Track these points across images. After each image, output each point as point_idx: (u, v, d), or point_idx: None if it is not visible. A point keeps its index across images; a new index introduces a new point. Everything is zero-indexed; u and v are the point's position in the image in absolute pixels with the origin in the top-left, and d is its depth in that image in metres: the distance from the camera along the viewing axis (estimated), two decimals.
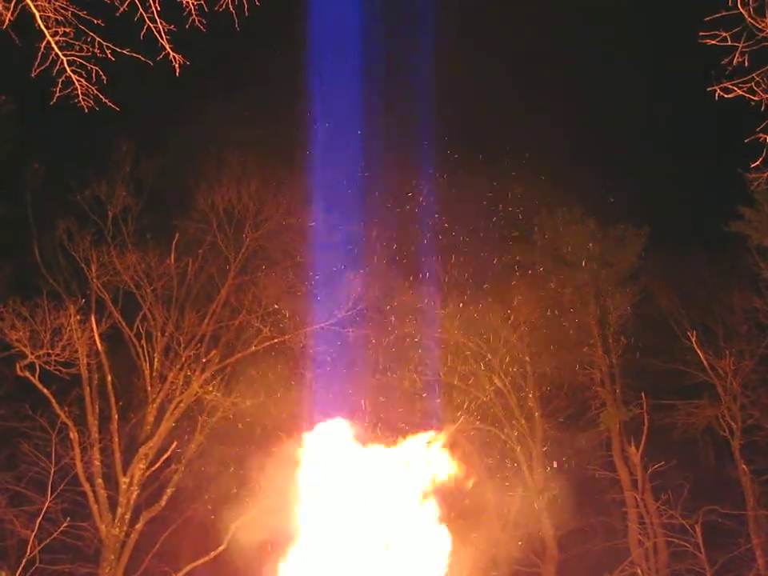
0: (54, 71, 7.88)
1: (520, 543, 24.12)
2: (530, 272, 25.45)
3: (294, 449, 17.97)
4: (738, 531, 23.00)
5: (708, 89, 7.90)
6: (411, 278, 24.82)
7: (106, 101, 8.19)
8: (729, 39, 7.66)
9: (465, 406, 24.23)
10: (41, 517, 19.05)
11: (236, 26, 7.85)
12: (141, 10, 7.55)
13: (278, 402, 23.27)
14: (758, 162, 8.55)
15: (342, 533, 14.08)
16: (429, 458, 16.24)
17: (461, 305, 24.31)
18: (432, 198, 25.11)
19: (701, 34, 7.64)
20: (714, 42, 7.65)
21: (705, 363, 23.48)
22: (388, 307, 24.38)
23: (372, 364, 24.45)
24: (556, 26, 31.23)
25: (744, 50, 7.65)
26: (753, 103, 7.91)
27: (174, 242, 22.44)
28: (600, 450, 26.10)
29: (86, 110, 8.22)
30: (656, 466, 23.54)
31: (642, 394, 24.08)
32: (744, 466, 23.31)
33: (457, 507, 19.49)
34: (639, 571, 22.99)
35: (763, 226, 22.28)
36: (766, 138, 8.12)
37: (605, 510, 27.03)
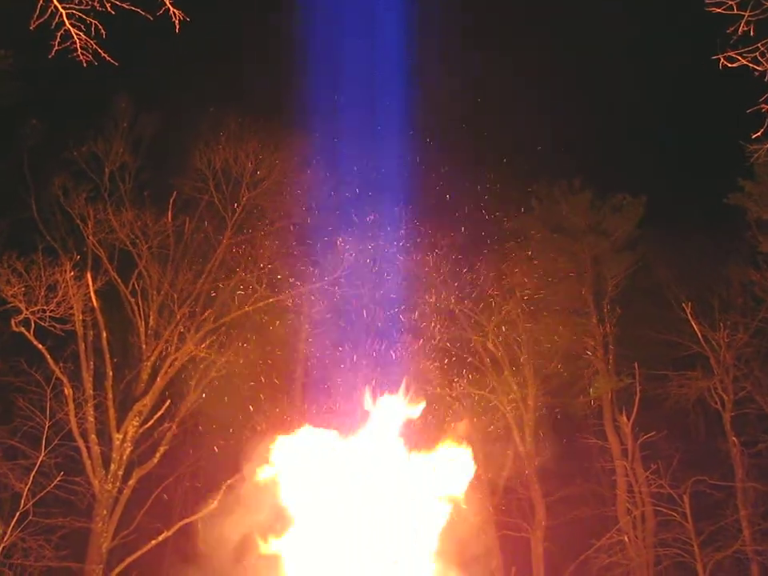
0: (53, 24, 7.79)
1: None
2: (525, 239, 25.44)
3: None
4: (725, 502, 23.20)
5: (712, 57, 7.84)
6: (406, 244, 24.85)
7: (105, 55, 8.10)
8: (735, 8, 7.58)
9: (458, 371, 24.36)
10: (35, 471, 19.12)
11: None
12: None
13: (273, 362, 23.42)
14: (758, 134, 8.51)
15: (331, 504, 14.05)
16: (421, 422, 16.29)
17: (456, 270, 24.35)
18: (429, 163, 25.03)
19: (707, 1, 7.56)
20: (720, 10, 7.58)
21: (699, 335, 23.54)
22: (376, 269, 24.42)
23: (365, 327, 24.55)
24: None
25: (750, 18, 7.58)
26: (756, 73, 7.85)
27: (170, 201, 22.35)
28: (591, 419, 26.29)
29: (85, 65, 8.13)
30: (646, 436, 23.68)
31: (635, 363, 24.16)
32: (734, 438, 23.46)
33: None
34: (626, 539, 23.23)
35: (763, 199, 22.20)
36: (767, 109, 8.07)
37: (594, 478, 27.26)
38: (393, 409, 14.53)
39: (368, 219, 24.47)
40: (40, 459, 19.04)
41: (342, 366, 23.84)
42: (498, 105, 26.42)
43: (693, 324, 23.25)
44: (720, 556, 22.25)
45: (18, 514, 18.49)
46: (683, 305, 23.22)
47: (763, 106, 8.03)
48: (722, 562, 22.77)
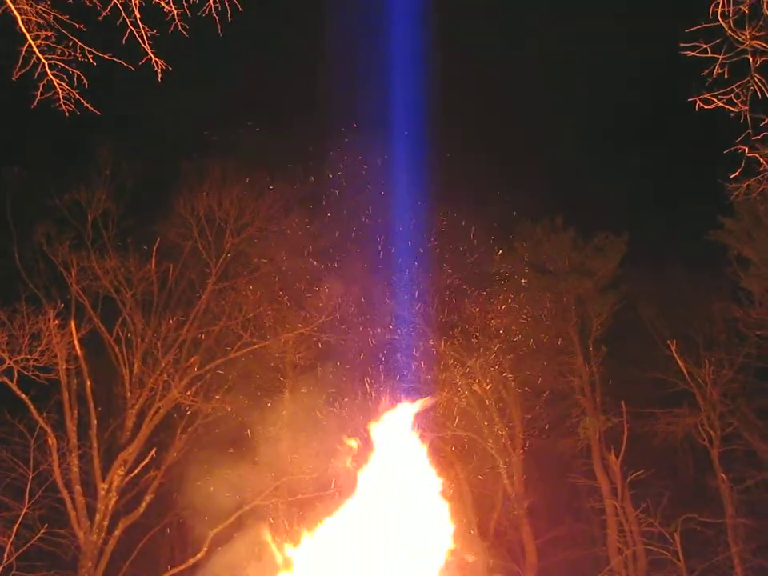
0: (36, 75, 7.84)
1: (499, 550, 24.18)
2: (509, 280, 25.52)
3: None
4: (716, 540, 23.12)
5: (688, 99, 7.96)
6: (390, 286, 24.89)
7: (88, 105, 8.15)
8: (709, 51, 7.71)
9: (445, 414, 24.26)
10: (18, 523, 18.87)
11: (219, 32, 7.82)
12: (123, 14, 7.52)
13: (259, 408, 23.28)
14: (737, 174, 8.62)
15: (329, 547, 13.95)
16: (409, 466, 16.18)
17: (443, 312, 24.41)
18: (414, 207, 25.13)
19: (681, 45, 7.69)
20: (694, 53, 7.70)
21: (684, 372, 23.59)
22: (366, 317, 24.41)
23: (351, 370, 24.47)
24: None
25: (724, 61, 7.71)
26: (732, 114, 7.97)
27: (154, 247, 22.34)
28: (580, 458, 26.20)
29: (67, 114, 8.17)
30: (635, 474, 23.61)
31: (622, 402, 24.16)
32: (723, 475, 23.42)
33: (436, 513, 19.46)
34: None
35: (743, 236, 22.46)
36: (745, 150, 8.18)
37: (584, 518, 27.13)
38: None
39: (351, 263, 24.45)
40: (24, 511, 18.80)
41: (328, 412, 23.67)
42: (479, 143, 26.70)
43: (678, 361, 23.30)
44: None
45: (1, 567, 18.20)
46: (668, 342, 23.29)
47: (740, 146, 8.13)
48: None
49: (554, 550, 25.02)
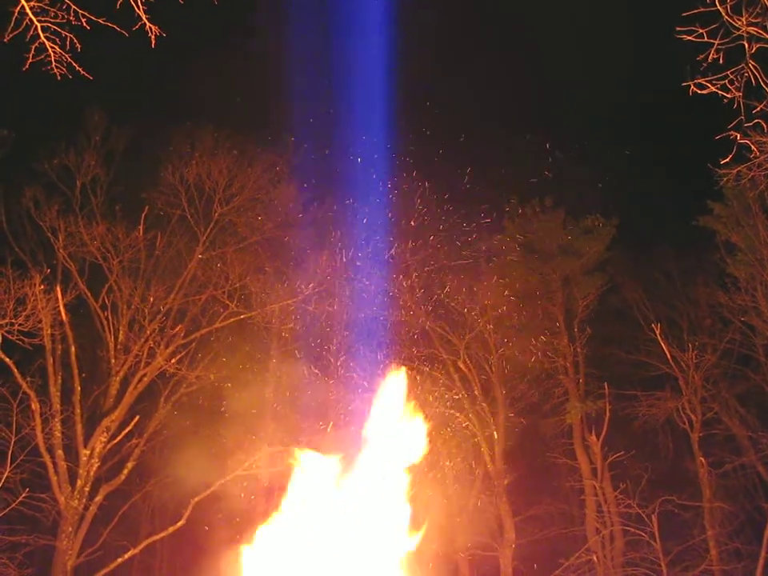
0: (28, 37, 7.76)
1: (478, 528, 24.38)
2: (497, 258, 25.57)
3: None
4: (693, 522, 23.39)
5: (683, 84, 7.96)
6: (377, 261, 24.89)
7: (80, 69, 8.08)
8: (705, 36, 7.71)
9: (428, 390, 24.35)
10: None
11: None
12: None
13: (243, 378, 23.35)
14: (728, 159, 8.65)
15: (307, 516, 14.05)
16: (390, 440, 16.27)
17: (428, 288, 24.44)
18: (402, 181, 25.10)
19: (678, 29, 7.68)
20: (690, 37, 7.70)
21: (668, 355, 23.72)
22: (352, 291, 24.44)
23: (336, 343, 24.54)
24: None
25: (720, 47, 7.71)
26: (725, 100, 7.99)
27: (142, 215, 22.23)
28: (561, 438, 26.39)
29: (59, 78, 8.10)
30: (615, 456, 23.82)
31: (605, 384, 24.33)
32: (702, 459, 23.63)
33: (416, 490, 19.61)
34: (595, 558, 23.30)
35: (731, 222, 22.54)
36: (737, 136, 8.20)
37: (563, 497, 27.36)
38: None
39: (337, 235, 24.43)
40: (5, 475, 18.79)
41: (312, 384, 23.76)
42: (472, 119, 26.63)
43: (662, 345, 23.44)
44: None
45: None
46: (652, 325, 23.41)
47: (732, 132, 8.16)
48: None
49: (532, 528, 25.22)
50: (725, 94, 7.94)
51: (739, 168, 9.48)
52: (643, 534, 22.45)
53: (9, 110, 22.55)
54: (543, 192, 25.88)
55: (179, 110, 24.46)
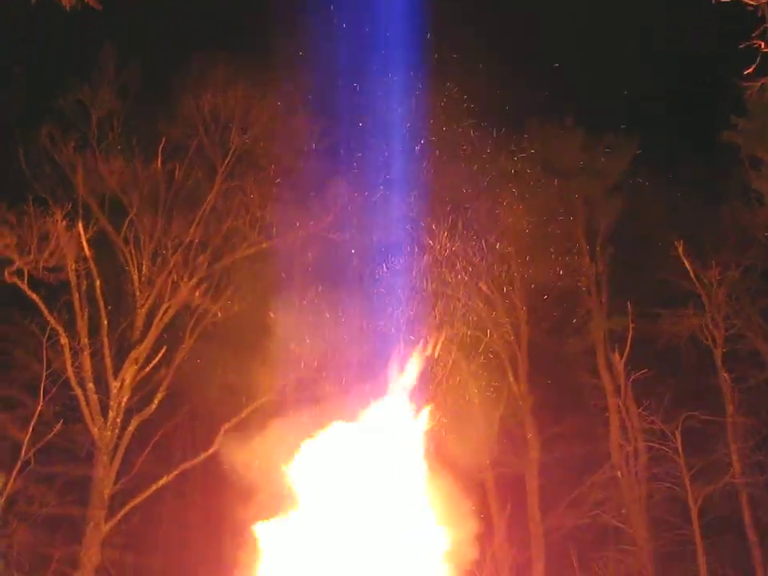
0: None
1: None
2: (518, 179, 25.30)
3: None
4: (716, 437, 23.53)
5: None
6: (398, 186, 24.66)
7: (89, 0, 7.98)
8: None
9: (451, 312, 24.41)
10: (34, 420, 19.31)
11: None
12: None
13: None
14: (751, 70, 8.46)
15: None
16: (416, 366, 16.44)
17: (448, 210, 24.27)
18: (421, 101, 24.70)
19: None
20: None
21: (691, 273, 23.61)
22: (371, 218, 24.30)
23: (357, 271, 24.51)
24: None
25: None
26: (750, 8, 7.78)
27: (159, 147, 22.17)
28: (584, 357, 26.47)
29: (68, 9, 8.01)
30: (639, 373, 23.89)
31: (628, 302, 24.28)
32: (725, 374, 23.70)
33: (443, 413, 19.86)
34: (619, 474, 23.62)
35: (755, 136, 22.12)
36: (761, 45, 8.00)
37: (587, 415, 27.56)
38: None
39: (358, 161, 24.18)
40: (38, 409, 19.22)
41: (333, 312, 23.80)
42: (489, 41, 26.04)
43: (684, 262, 23.31)
44: (711, 489, 22.64)
45: (19, 463, 18.71)
46: (675, 243, 23.25)
47: (756, 41, 7.96)
48: (713, 495, 23.14)
49: (556, 446, 25.48)
50: (749, 2, 7.73)
51: (764, 80, 9.25)
52: (667, 450, 22.70)
53: (23, 49, 22.38)
54: (563, 110, 25.53)
55: (192, 41, 24.08)
